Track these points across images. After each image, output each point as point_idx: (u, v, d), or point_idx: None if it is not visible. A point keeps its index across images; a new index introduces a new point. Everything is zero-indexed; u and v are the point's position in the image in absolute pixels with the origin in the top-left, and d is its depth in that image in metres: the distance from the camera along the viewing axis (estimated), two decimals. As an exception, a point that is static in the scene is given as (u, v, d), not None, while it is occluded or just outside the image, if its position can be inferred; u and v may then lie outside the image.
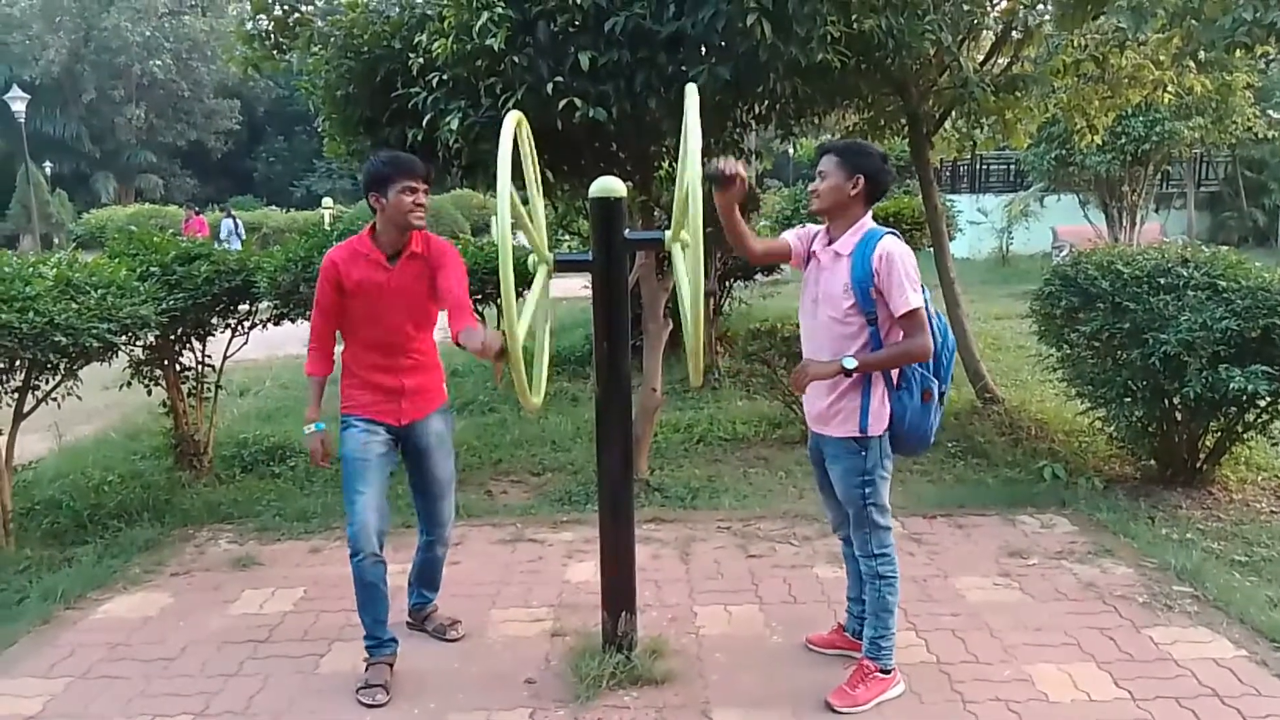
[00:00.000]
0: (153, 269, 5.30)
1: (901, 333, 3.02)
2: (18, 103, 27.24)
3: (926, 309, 3.06)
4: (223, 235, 20.62)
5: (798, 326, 3.35)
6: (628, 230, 3.31)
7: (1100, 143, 8.98)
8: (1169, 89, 7.27)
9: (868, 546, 3.20)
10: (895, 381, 3.08)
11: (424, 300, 3.39)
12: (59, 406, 4.98)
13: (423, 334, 3.47)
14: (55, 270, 4.57)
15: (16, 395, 4.69)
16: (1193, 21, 5.30)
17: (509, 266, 2.70)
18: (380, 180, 3.28)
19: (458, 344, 3.08)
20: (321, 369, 3.45)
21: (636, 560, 3.54)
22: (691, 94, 2.80)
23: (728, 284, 9.48)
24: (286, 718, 3.22)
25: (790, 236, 3.29)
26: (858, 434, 3.08)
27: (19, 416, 4.74)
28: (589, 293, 3.34)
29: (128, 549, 4.75)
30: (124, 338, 4.83)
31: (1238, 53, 5.27)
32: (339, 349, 3.50)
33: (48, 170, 37.47)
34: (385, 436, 3.41)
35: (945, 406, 3.27)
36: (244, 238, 20.41)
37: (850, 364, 2.98)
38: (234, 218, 22.98)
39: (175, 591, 4.30)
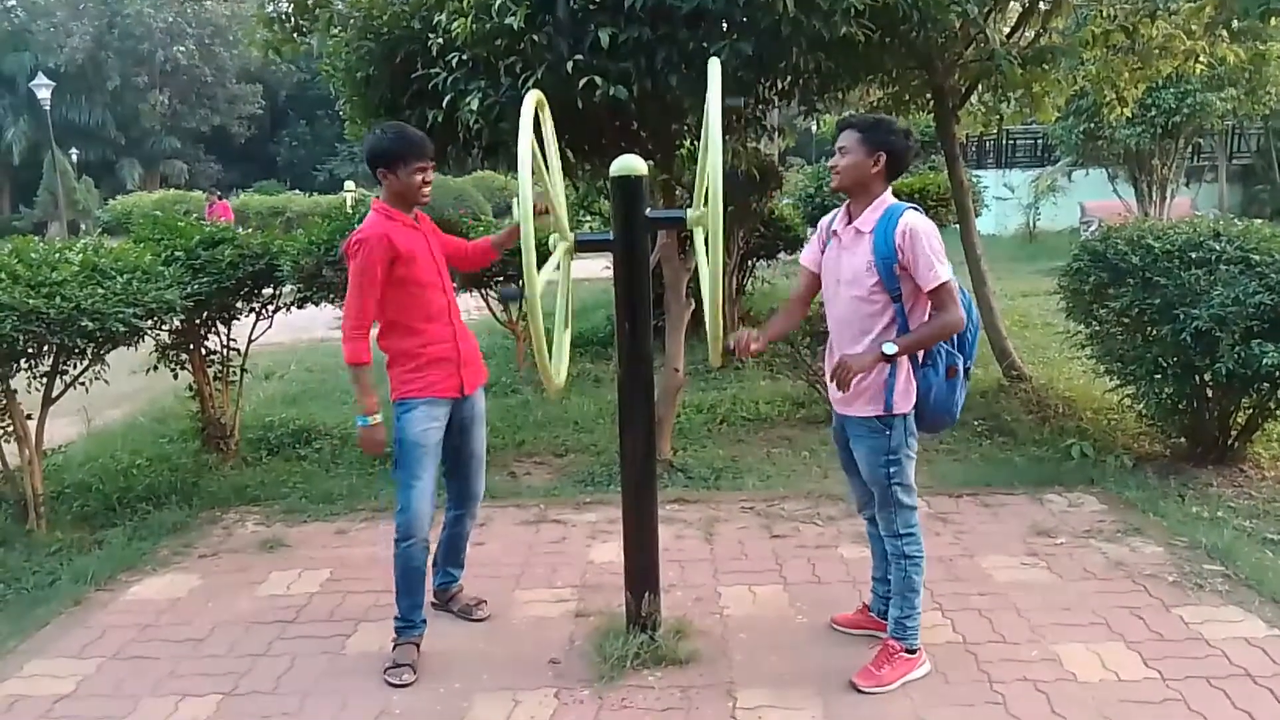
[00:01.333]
0: (177, 254, 5.32)
1: (926, 307, 2.98)
2: (43, 90, 27.50)
3: None
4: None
5: (821, 306, 3.32)
6: (649, 209, 3.29)
7: (1130, 115, 8.83)
8: (1201, 59, 7.10)
9: (893, 526, 3.17)
10: (921, 358, 3.04)
11: (447, 256, 3.53)
12: (87, 391, 5.03)
13: (455, 299, 3.53)
14: (82, 256, 4.59)
15: (45, 380, 4.73)
16: (1226, -11, 5.19)
17: (531, 247, 2.69)
18: (390, 157, 3.29)
19: (494, 249, 3.54)
20: (369, 355, 3.32)
21: (660, 541, 3.53)
22: (714, 67, 2.76)
23: (750, 263, 9.43)
24: (314, 697, 3.25)
25: (805, 260, 3.35)
26: (883, 412, 3.05)
27: (48, 401, 4.79)
28: (610, 274, 3.32)
29: (156, 531, 4.81)
30: (150, 322, 4.86)
31: (1273, 21, 5.15)
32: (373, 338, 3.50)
33: (74, 157, 37.83)
34: (443, 419, 3.41)
35: (970, 383, 3.22)
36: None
37: (890, 349, 2.91)
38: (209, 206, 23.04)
39: (203, 573, 4.35)
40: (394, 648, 3.41)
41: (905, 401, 3.04)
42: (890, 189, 3.08)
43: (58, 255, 4.54)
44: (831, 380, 3.04)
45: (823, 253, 3.20)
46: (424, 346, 3.36)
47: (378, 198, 3.43)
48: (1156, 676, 3.17)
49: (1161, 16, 6.43)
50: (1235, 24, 6.09)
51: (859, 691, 3.13)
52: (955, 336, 3.05)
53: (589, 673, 3.31)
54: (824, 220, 3.26)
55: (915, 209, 3.02)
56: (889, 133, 3.03)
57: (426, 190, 3.35)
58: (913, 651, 3.21)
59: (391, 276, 3.27)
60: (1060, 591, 3.84)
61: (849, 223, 3.09)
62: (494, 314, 7.83)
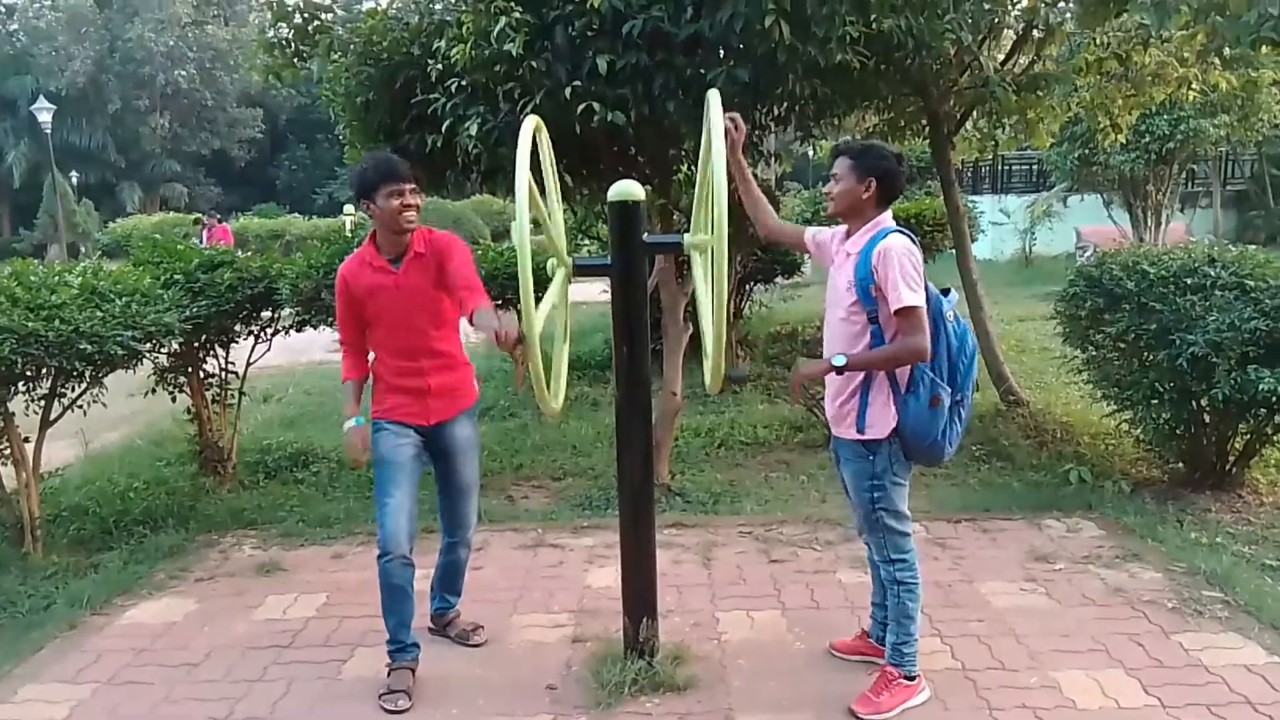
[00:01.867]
0: (176, 277, 5.33)
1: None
2: (44, 113, 27.60)
3: (940, 312, 3.02)
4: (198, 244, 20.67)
5: (819, 330, 3.34)
6: (646, 234, 3.31)
7: (1124, 142, 8.89)
8: (1194, 86, 7.18)
9: (884, 551, 3.17)
10: (904, 385, 3.02)
11: (436, 297, 3.40)
12: (85, 414, 5.02)
13: (443, 332, 3.47)
14: (81, 279, 4.60)
15: (43, 403, 4.73)
16: (1217, 17, 5.22)
17: (528, 271, 2.70)
18: (367, 186, 3.32)
19: (471, 323, 3.12)
20: (356, 373, 3.51)
21: (658, 565, 3.52)
22: (714, 99, 2.79)
23: (747, 287, 9.46)
24: (309, 724, 3.23)
25: (811, 231, 3.36)
26: (857, 436, 3.06)
27: (45, 424, 4.78)
28: (608, 297, 3.33)
29: (153, 555, 4.79)
30: (148, 345, 4.86)
31: (1264, 49, 5.19)
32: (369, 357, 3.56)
33: (74, 180, 37.97)
34: (415, 439, 3.45)
35: (969, 417, 3.19)
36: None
37: (839, 361, 2.96)
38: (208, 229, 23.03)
39: (200, 597, 4.33)
40: (389, 673, 3.39)
41: (881, 427, 3.03)
42: (889, 212, 3.10)
43: (57, 278, 4.55)
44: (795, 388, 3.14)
45: (832, 262, 3.21)
46: (393, 375, 3.44)
47: (374, 231, 3.47)
48: (1156, 704, 3.16)
49: (1154, 44, 6.50)
50: (1227, 51, 6.14)
51: (858, 719, 3.11)
52: (945, 368, 3.02)
53: (586, 699, 3.29)
54: (841, 229, 3.23)
55: (901, 232, 3.03)
56: (879, 158, 3.06)
57: (409, 215, 3.32)
58: (911, 678, 3.19)
59: (358, 313, 3.44)
60: (1059, 617, 3.82)
61: (844, 244, 3.13)
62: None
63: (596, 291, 10.44)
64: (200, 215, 25.57)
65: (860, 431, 3.05)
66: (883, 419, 3.03)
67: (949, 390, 3.02)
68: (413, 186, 3.34)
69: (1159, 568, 4.26)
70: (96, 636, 3.95)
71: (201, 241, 20.42)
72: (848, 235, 3.13)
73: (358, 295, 3.39)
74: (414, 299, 3.37)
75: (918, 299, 2.90)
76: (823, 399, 3.30)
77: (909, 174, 3.22)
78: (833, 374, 3.03)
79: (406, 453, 3.40)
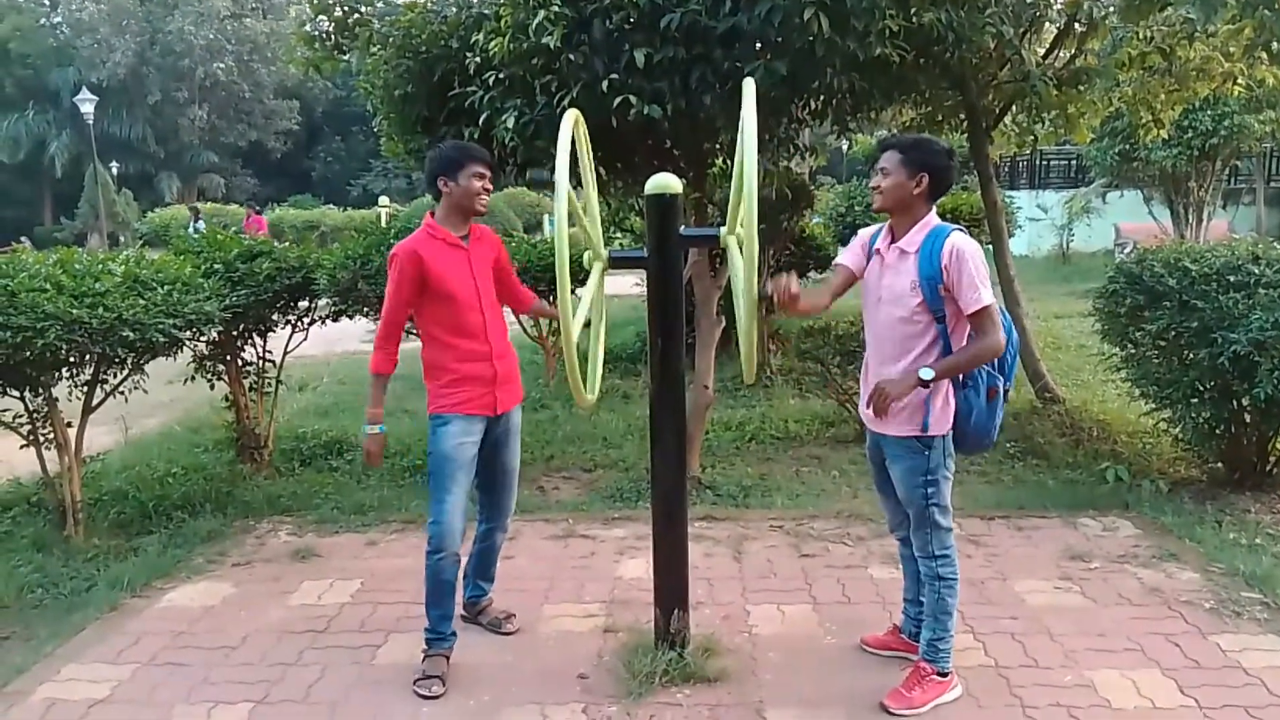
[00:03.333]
0: (216, 266, 5.40)
1: (967, 329, 2.97)
2: (86, 105, 28.07)
3: None
4: (191, 233, 20.80)
5: (852, 324, 3.32)
6: (682, 227, 3.31)
7: (1166, 137, 8.75)
8: (1239, 82, 7.05)
9: (928, 548, 3.15)
10: (962, 380, 3.02)
11: (494, 280, 3.54)
12: (126, 400, 5.10)
13: (499, 314, 3.56)
14: (124, 267, 4.67)
15: (86, 388, 4.82)
16: (1265, 11, 5.14)
17: (565, 264, 2.71)
18: (452, 164, 3.37)
19: (529, 313, 3.15)
20: (390, 367, 3.44)
21: (689, 558, 3.52)
22: (749, 88, 2.79)
23: (781, 281, 9.41)
24: (344, 707, 3.27)
25: (845, 260, 3.26)
26: (919, 433, 3.03)
27: (88, 409, 4.87)
28: (641, 290, 3.34)
29: (191, 539, 4.87)
30: (189, 333, 4.92)
31: (1313, 43, 5.10)
32: (407, 349, 3.55)
33: (114, 170, 38.53)
34: (478, 435, 3.44)
35: (1006, 404, 3.19)
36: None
37: (927, 375, 2.90)
38: (201, 218, 23.25)
39: (236, 582, 4.39)
40: (424, 659, 3.43)
41: (942, 423, 3.03)
42: (934, 210, 3.07)
43: (100, 266, 4.62)
44: (868, 406, 3.04)
45: (867, 264, 3.19)
46: (458, 362, 3.40)
47: (431, 212, 3.50)
48: (1193, 705, 3.12)
49: (1199, 38, 6.38)
50: (1275, 46, 6.02)
51: (889, 713, 3.10)
52: (996, 360, 3.02)
53: (617, 689, 3.31)
54: (866, 231, 3.23)
55: (961, 230, 3.01)
56: (931, 153, 3.02)
57: (484, 198, 3.41)
58: (944, 674, 3.18)
59: (425, 291, 3.35)
60: (1094, 616, 3.79)
61: (892, 242, 3.08)
62: (524, 328, 7.87)
63: (629, 284, 10.46)
64: (196, 205, 25.89)
65: (924, 429, 3.02)
66: (945, 415, 3.03)
67: (1003, 379, 3.04)
68: (491, 174, 3.46)
69: (1197, 568, 4.21)
70: (136, 619, 4.03)
71: (199, 230, 20.49)
72: (893, 233, 3.09)
73: (433, 271, 3.33)
74: (483, 277, 3.46)
75: (991, 297, 2.90)
76: (855, 394, 3.29)
77: (958, 169, 3.18)
78: (901, 379, 2.96)
79: (469, 452, 3.41)
